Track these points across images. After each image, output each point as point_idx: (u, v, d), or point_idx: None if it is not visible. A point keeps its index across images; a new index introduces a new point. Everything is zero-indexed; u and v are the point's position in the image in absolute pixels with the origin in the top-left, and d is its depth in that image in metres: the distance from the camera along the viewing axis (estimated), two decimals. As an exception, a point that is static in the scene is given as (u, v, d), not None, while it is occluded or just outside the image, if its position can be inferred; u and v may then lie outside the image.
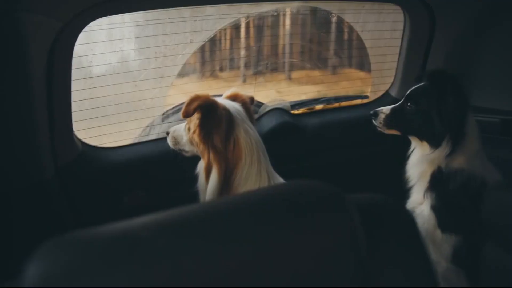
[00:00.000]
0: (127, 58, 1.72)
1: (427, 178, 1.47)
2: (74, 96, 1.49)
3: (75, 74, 1.46)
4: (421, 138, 1.49)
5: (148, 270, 0.48)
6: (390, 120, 1.54)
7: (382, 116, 1.56)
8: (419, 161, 1.51)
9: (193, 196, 1.44)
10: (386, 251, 0.66)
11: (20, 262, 0.63)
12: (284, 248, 0.55)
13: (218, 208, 0.58)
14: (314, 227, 0.57)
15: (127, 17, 1.63)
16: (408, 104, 1.50)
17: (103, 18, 1.43)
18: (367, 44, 2.13)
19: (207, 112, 1.30)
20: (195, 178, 1.48)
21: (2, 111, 1.21)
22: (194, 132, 1.33)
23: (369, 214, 0.64)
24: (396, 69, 2.09)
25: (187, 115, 1.31)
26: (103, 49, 1.60)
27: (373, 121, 1.58)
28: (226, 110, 1.33)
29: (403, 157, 1.61)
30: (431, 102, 1.43)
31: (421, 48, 1.98)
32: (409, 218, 0.71)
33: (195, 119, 1.33)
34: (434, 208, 1.44)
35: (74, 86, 1.47)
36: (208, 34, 1.76)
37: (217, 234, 0.53)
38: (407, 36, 1.97)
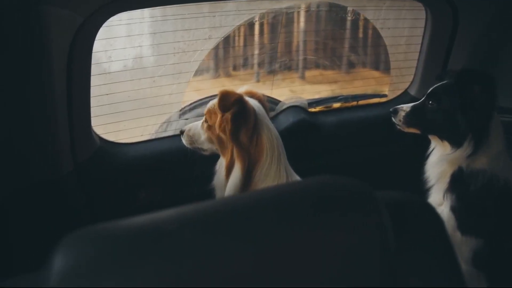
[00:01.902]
0: (146, 54, 1.72)
1: (447, 178, 1.44)
2: (93, 91, 1.49)
3: (94, 69, 1.46)
4: (442, 137, 1.45)
5: (175, 263, 0.47)
6: (410, 118, 1.51)
7: (402, 113, 1.52)
8: (439, 161, 1.48)
9: (209, 193, 1.44)
10: (414, 251, 0.64)
11: (37, 255, 0.63)
12: (309, 246, 0.54)
13: (243, 203, 0.57)
14: (341, 224, 0.55)
15: (146, 12, 1.63)
16: (430, 102, 1.46)
17: (123, 13, 1.43)
18: (387, 41, 2.09)
19: (241, 107, 1.29)
20: (210, 175, 1.48)
21: (23, 105, 1.22)
22: (222, 128, 1.31)
23: (397, 212, 0.63)
24: (416, 67, 2.05)
25: (225, 109, 1.29)
26: (122, 44, 1.61)
27: (393, 118, 1.55)
28: (251, 106, 1.33)
29: (422, 157, 1.58)
30: (455, 101, 1.39)
31: (442, 46, 1.93)
32: (437, 218, 0.69)
33: (219, 115, 1.31)
34: (454, 210, 1.40)
35: (93, 81, 1.48)
36: (227, 30, 1.75)
37: (241, 230, 0.52)
38: (429, 33, 1.92)
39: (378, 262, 0.55)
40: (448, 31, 1.89)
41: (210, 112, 1.37)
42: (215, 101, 1.37)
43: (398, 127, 1.55)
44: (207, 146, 1.43)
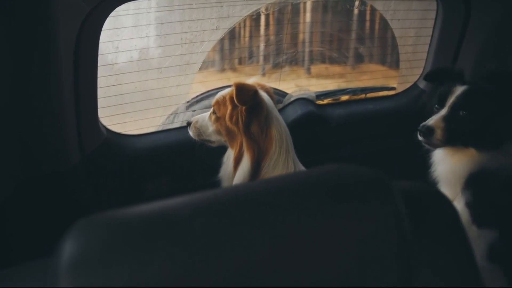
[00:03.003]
0: (152, 44, 1.70)
1: (463, 179, 1.35)
2: (99, 82, 1.48)
3: (100, 59, 1.45)
4: (469, 144, 1.33)
5: (187, 249, 0.46)
6: (449, 133, 1.32)
7: (439, 131, 1.31)
8: (455, 168, 1.37)
9: (216, 185, 1.43)
10: (428, 242, 0.62)
11: (45, 246, 0.63)
12: (321, 235, 0.52)
13: (255, 190, 0.55)
14: (355, 214, 0.54)
15: (153, 1, 1.62)
16: (462, 112, 1.31)
17: (130, 2, 1.41)
18: (397, 33, 2.06)
19: (257, 100, 1.28)
20: (217, 167, 1.47)
21: (29, 96, 1.21)
22: (235, 120, 1.30)
23: (412, 201, 0.61)
24: (426, 60, 2.02)
25: (245, 103, 1.27)
26: (129, 34, 1.59)
27: (423, 138, 1.34)
28: (263, 97, 1.32)
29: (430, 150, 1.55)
30: (491, 106, 1.29)
31: (453, 38, 1.90)
32: (452, 208, 0.67)
33: (229, 106, 1.30)
34: (470, 205, 1.34)
35: (99, 72, 1.46)
36: (235, 21, 1.73)
37: (251, 217, 0.51)
38: (439, 25, 1.89)
39: (394, 252, 0.54)
40: (459, 22, 1.85)
41: (219, 103, 1.36)
42: (223, 93, 1.36)
43: (429, 146, 1.38)
44: (214, 138, 1.42)
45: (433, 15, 1.91)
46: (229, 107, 1.31)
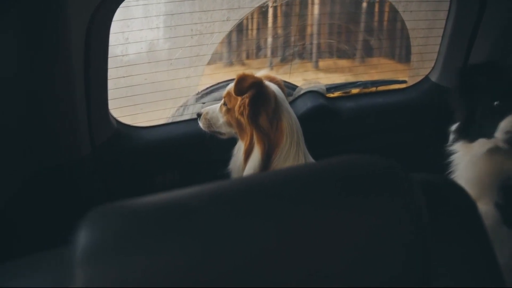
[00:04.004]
0: (162, 36, 1.69)
1: (501, 179, 1.31)
2: (109, 73, 1.47)
3: (110, 51, 1.44)
4: None
5: (199, 239, 0.46)
6: None
7: None
8: (496, 166, 1.32)
9: (226, 177, 1.43)
10: (446, 240, 0.61)
11: (55, 236, 0.62)
12: (332, 228, 0.51)
13: (267, 181, 0.55)
14: (368, 207, 0.52)
15: (164, -8, 1.61)
16: None
17: (140, -7, 1.41)
18: (409, 25, 2.02)
19: (259, 90, 1.27)
20: (227, 159, 1.47)
21: (40, 87, 1.21)
22: (240, 112, 1.30)
23: (430, 196, 0.59)
24: (438, 52, 1.98)
25: (240, 93, 1.27)
26: (139, 26, 1.58)
27: None
28: (271, 89, 1.31)
29: (441, 145, 1.53)
30: None
31: (467, 31, 1.86)
32: (473, 203, 0.65)
33: (239, 98, 1.30)
34: (500, 205, 1.30)
35: (109, 63, 1.46)
36: (246, 12, 1.71)
37: (263, 208, 0.50)
38: (453, 18, 1.85)
39: (409, 248, 0.52)
40: (473, 15, 1.82)
41: (230, 95, 1.35)
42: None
43: None
44: (225, 129, 1.41)
45: (447, 6, 1.87)
46: (239, 99, 1.30)
